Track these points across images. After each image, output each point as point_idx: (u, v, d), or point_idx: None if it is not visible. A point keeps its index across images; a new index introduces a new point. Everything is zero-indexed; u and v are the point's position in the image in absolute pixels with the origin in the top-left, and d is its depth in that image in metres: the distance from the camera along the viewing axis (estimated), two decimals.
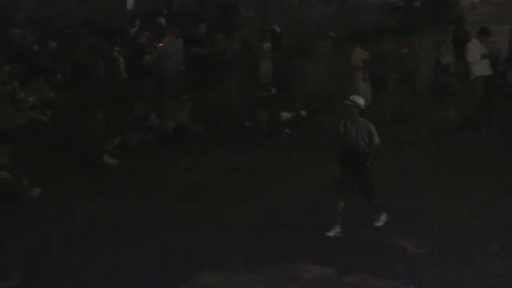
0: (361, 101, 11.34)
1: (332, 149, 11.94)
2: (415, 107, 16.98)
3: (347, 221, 11.20)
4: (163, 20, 18.89)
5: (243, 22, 19.34)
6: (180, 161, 14.56)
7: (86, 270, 10.36)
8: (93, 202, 12.72)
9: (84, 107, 15.23)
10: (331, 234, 11.19)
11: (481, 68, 15.69)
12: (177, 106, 16.27)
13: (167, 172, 14.03)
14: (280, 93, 17.59)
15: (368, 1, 24.68)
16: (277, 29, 18.98)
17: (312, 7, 21.69)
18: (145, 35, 18.10)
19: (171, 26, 18.15)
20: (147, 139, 15.32)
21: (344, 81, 17.17)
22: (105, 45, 17.29)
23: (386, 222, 11.44)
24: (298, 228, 11.36)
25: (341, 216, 11.20)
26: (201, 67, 17.59)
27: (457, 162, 13.97)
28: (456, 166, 13.81)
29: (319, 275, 10.09)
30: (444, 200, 12.34)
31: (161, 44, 17.25)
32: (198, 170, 14.07)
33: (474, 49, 15.68)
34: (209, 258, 10.57)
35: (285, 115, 16.64)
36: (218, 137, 15.75)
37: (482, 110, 15.87)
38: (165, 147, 15.15)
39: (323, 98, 17.21)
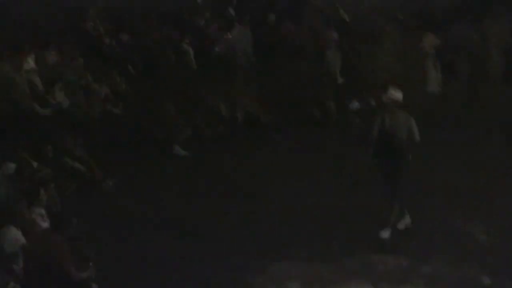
0: (399, 95, 10.72)
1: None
2: (487, 94, 16.73)
3: (413, 211, 11.17)
4: (232, 11, 18.96)
5: (312, 11, 19.27)
6: (252, 152, 14.64)
7: (160, 260, 10.53)
8: (166, 193, 12.91)
9: (156, 99, 15.41)
10: (401, 226, 11.12)
11: None
12: (247, 96, 16.37)
13: (240, 163, 14.13)
14: (348, 82, 17.47)
15: None
16: (346, 18, 18.84)
17: None
18: (214, 26, 18.17)
19: (240, 16, 18.19)
20: (218, 130, 15.46)
21: (414, 68, 16.96)
22: (176, 37, 17.44)
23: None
24: (369, 221, 11.35)
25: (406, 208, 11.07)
26: (270, 57, 17.59)
27: None
28: None
29: (394, 266, 10.15)
30: None
31: (230, 35, 17.33)
32: (271, 159, 14.15)
33: None
34: (286, 249, 10.67)
35: (356, 104, 16.57)
36: (287, 126, 15.78)
37: None
38: (236, 137, 15.25)
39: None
